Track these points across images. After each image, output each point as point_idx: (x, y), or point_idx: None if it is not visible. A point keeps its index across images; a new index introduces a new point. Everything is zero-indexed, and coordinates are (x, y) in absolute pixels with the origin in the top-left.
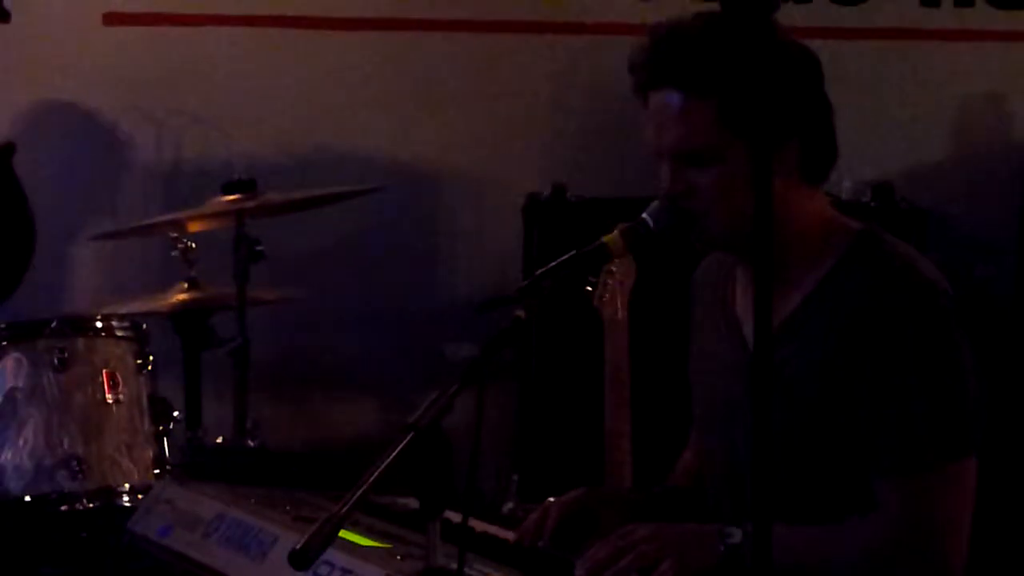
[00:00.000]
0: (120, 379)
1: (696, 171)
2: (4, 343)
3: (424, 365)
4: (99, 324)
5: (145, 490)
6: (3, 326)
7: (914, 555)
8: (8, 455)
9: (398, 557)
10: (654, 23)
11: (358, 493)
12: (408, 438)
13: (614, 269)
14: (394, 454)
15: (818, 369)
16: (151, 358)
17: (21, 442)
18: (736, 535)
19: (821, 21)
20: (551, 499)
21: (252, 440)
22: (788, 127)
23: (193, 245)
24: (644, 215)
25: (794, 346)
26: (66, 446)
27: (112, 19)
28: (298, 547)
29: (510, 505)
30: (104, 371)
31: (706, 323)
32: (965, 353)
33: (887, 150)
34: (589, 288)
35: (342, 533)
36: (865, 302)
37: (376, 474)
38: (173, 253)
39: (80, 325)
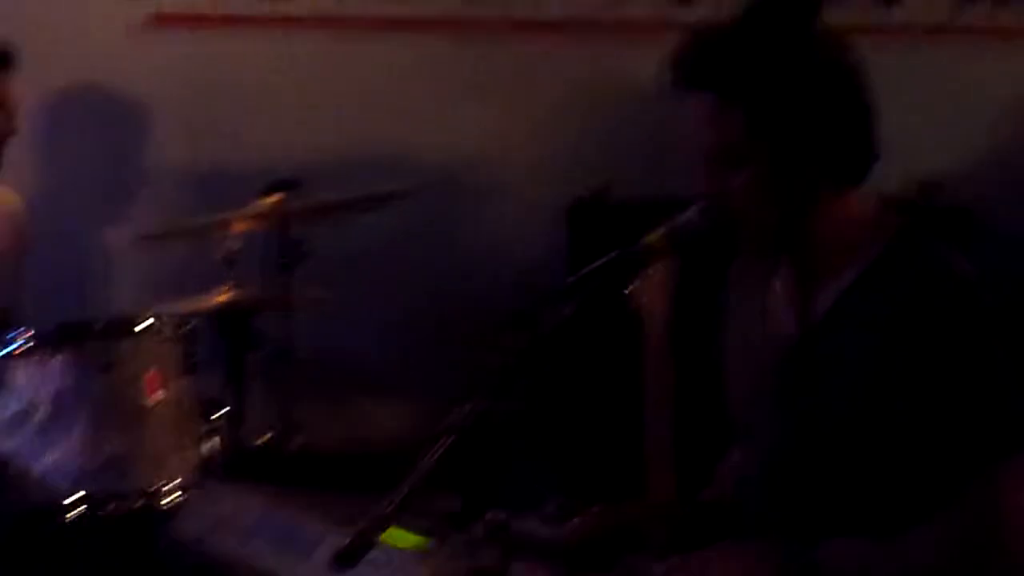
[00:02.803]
0: (165, 380)
1: (730, 173)
2: (51, 345)
3: (464, 367)
4: (144, 325)
5: (189, 490)
6: (51, 328)
7: (985, 550)
8: (55, 456)
9: (442, 557)
10: (696, 24)
11: (403, 493)
12: (451, 439)
13: (655, 270)
14: (437, 454)
15: (855, 371)
16: (195, 359)
17: (68, 443)
18: (801, 552)
19: (860, 19)
20: (593, 509)
21: (295, 441)
22: (819, 132)
23: (238, 246)
24: (687, 214)
25: (830, 345)
26: (111, 447)
27: (156, 20)
28: (343, 547)
29: (553, 505)
30: (149, 372)
31: (743, 312)
32: (1005, 352)
33: (936, 148)
34: (631, 288)
35: (387, 533)
36: (903, 300)
37: (420, 474)
38: (218, 254)
39: (126, 326)
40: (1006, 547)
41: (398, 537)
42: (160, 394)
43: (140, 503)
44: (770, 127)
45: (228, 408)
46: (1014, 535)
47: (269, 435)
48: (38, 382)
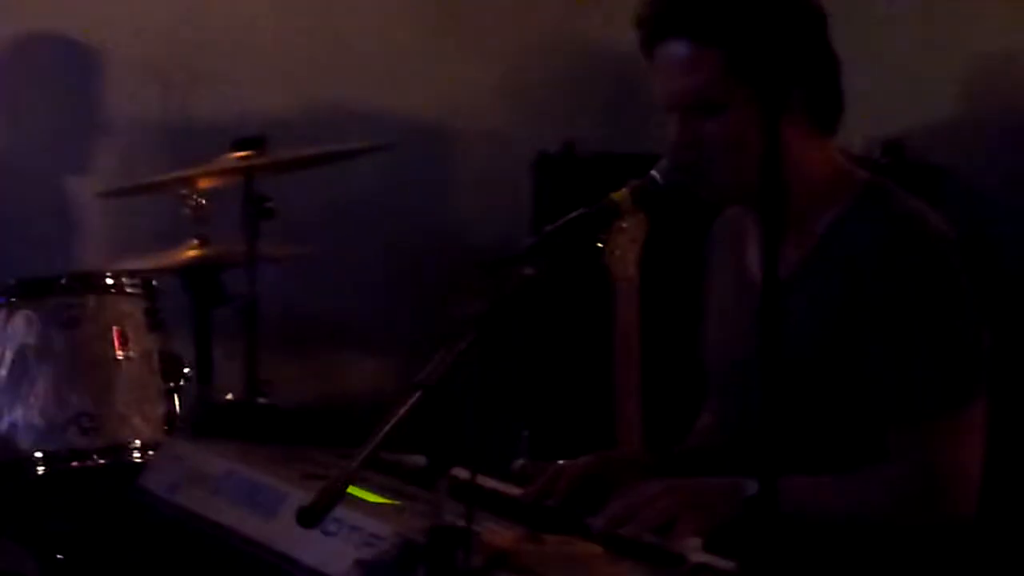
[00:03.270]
0: (130, 336)
1: (705, 121)
2: (14, 300)
3: (434, 322)
4: (109, 281)
5: (155, 447)
6: (13, 283)
7: (926, 502)
8: (19, 412)
9: (407, 514)
10: None
11: (367, 451)
12: (417, 396)
13: (625, 226)
14: (402, 412)
15: (826, 318)
16: (161, 315)
17: (32, 399)
18: (753, 487)
19: None
20: (561, 461)
21: (262, 397)
22: (794, 75)
23: (203, 202)
24: (653, 171)
25: (802, 295)
26: (76, 403)
27: None
28: (306, 505)
29: (520, 462)
30: (114, 328)
31: (721, 279)
32: (971, 302)
33: (899, 106)
34: (600, 245)
35: (351, 490)
36: (873, 251)
37: (385, 432)
38: (183, 210)
39: (90, 282)
40: (944, 497)
41: (364, 495)
42: (126, 350)
43: (106, 460)
44: (750, 68)
45: (195, 364)
46: (952, 486)
47: (236, 391)
48: (0, 338)
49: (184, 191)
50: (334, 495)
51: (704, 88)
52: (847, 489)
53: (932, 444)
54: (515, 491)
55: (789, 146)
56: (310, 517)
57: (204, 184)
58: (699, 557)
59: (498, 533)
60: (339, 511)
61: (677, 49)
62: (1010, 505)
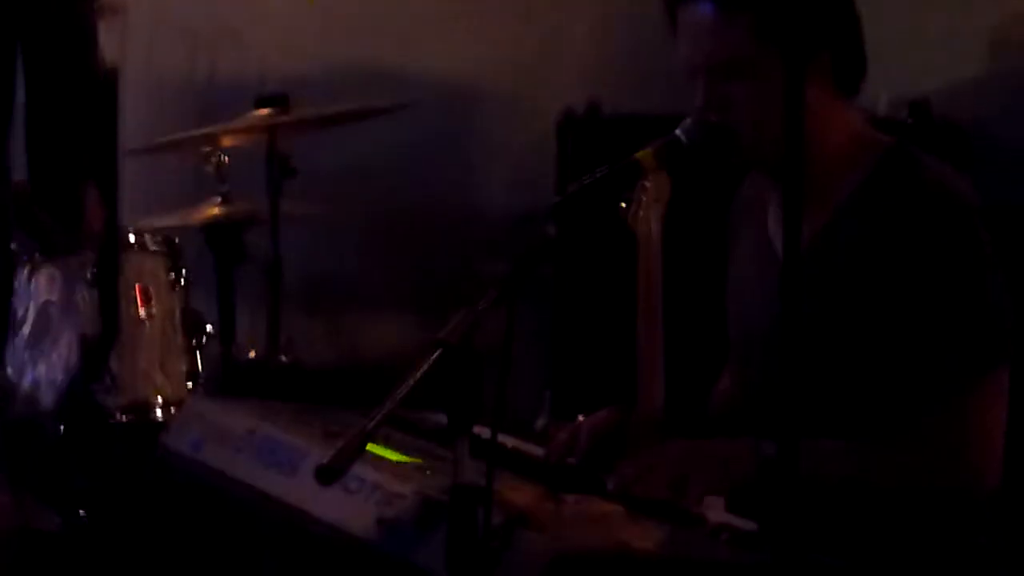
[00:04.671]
0: (153, 294)
1: (730, 84)
2: (38, 258)
3: (456, 282)
4: (132, 239)
5: (178, 404)
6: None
7: (948, 471)
8: (42, 369)
9: (427, 472)
10: None
11: (386, 409)
12: (437, 354)
13: (648, 185)
14: (423, 370)
15: (847, 285)
16: (184, 273)
17: (55, 356)
18: (771, 448)
19: None
20: (581, 418)
21: (285, 356)
22: (820, 38)
23: (226, 160)
24: (677, 131)
25: (823, 263)
26: None
27: None
28: (325, 462)
29: (543, 422)
30: (137, 285)
31: (743, 250)
32: (995, 267)
33: (925, 66)
34: (624, 205)
35: (372, 448)
36: (894, 219)
37: (404, 390)
38: (207, 168)
39: None
40: (968, 464)
41: (385, 453)
42: (149, 308)
43: (129, 417)
44: (778, 32)
45: (218, 322)
46: (975, 454)
47: (258, 349)
48: (24, 295)
49: (207, 149)
50: (352, 453)
51: (730, 51)
52: (868, 454)
53: (956, 410)
54: (536, 450)
55: (813, 109)
56: (328, 475)
57: (227, 142)
58: (720, 517)
59: (519, 492)
60: (360, 469)
61: (703, 11)
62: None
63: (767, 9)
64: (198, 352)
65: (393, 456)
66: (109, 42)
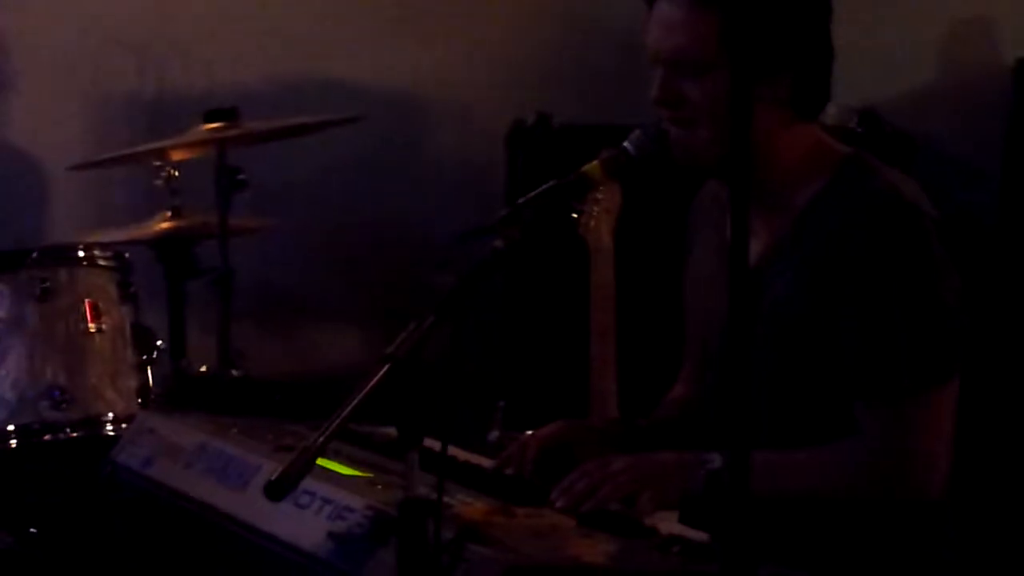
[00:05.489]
0: (103, 309)
1: (689, 82)
2: None
3: (407, 294)
4: (81, 254)
5: (128, 420)
6: None
7: (894, 480)
8: None
9: (378, 486)
10: None
11: (334, 424)
12: (385, 369)
13: (600, 196)
14: (371, 385)
15: (804, 292)
16: (134, 288)
17: (3, 372)
18: (716, 461)
19: None
20: (530, 432)
21: (236, 370)
22: (785, 58)
23: (176, 174)
24: (625, 143)
25: (781, 269)
26: (49, 376)
27: None
28: (274, 478)
29: (495, 434)
30: (87, 301)
31: (703, 253)
32: (948, 277)
33: (873, 74)
34: (575, 216)
35: (323, 463)
36: (849, 228)
37: (353, 405)
38: (156, 182)
39: (62, 255)
40: (912, 475)
41: (336, 468)
42: (98, 323)
43: (79, 433)
44: (740, 41)
45: (168, 337)
46: (920, 465)
47: (209, 363)
48: None
49: (156, 163)
50: (300, 468)
51: (693, 50)
52: (815, 464)
53: (904, 422)
54: (487, 463)
55: (767, 125)
56: (277, 490)
57: (176, 156)
58: (672, 529)
59: (470, 505)
60: (311, 483)
61: (676, 6)
62: (983, 484)
63: (735, 16)
64: (149, 367)
65: (344, 470)
66: None
